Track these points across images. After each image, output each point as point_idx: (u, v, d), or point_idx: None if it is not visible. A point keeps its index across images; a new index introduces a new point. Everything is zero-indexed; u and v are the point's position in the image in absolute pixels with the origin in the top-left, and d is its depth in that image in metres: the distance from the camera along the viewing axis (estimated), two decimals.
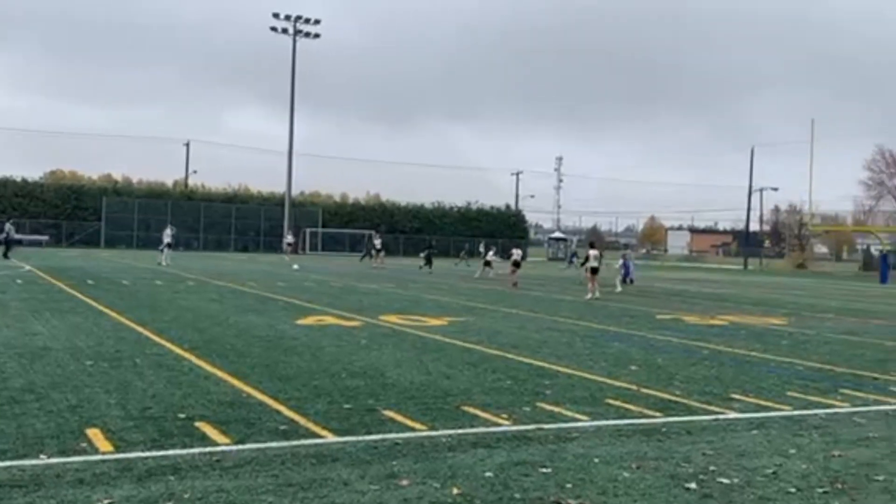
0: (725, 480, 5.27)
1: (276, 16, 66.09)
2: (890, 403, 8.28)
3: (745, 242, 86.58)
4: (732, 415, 7.45)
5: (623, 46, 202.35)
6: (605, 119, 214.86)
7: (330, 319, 14.55)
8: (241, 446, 5.72)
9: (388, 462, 5.44)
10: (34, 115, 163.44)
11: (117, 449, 5.56)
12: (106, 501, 4.50)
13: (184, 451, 5.53)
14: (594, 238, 69.79)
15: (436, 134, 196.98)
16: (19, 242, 44.60)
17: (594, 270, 23.47)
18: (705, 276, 47.98)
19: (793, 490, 5.12)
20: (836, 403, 8.16)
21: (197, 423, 6.32)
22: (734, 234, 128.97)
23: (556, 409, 7.32)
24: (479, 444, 6.01)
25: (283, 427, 6.32)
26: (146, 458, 5.36)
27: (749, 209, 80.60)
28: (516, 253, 29.56)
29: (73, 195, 67.67)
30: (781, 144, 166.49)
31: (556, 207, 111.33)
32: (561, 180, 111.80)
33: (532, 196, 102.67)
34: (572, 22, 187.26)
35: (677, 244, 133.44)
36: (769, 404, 7.98)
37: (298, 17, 66.31)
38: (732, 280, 43.90)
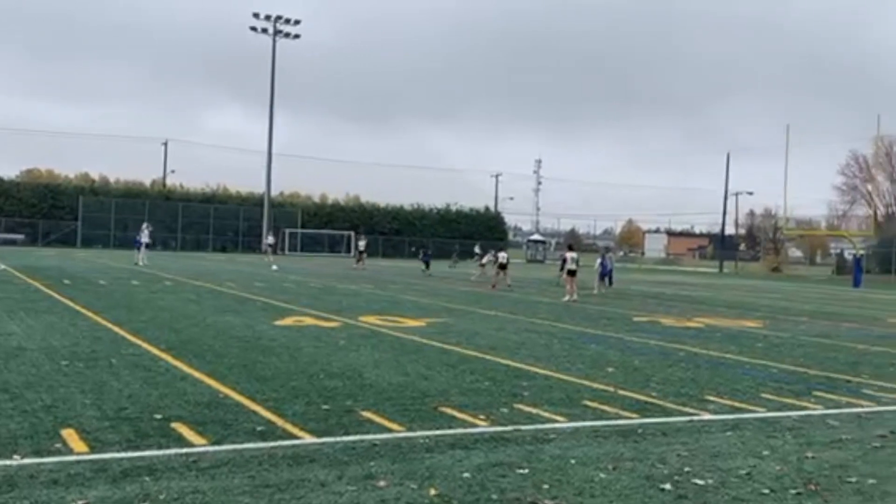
0: (700, 481, 5.32)
1: (255, 16, 65.90)
2: (862, 406, 8.39)
3: (720, 246, 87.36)
4: (707, 416, 7.52)
5: (603, 50, 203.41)
6: (585, 122, 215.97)
7: (308, 320, 14.52)
8: (217, 447, 5.69)
9: (365, 463, 5.44)
10: (10, 112, 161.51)
11: (92, 449, 5.52)
12: (80, 502, 4.47)
13: (160, 452, 5.50)
14: (572, 240, 70.04)
15: (416, 135, 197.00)
16: None
17: (572, 272, 23.59)
18: (682, 279, 48.31)
19: (766, 491, 5.18)
20: (810, 405, 8.25)
21: (173, 424, 6.29)
22: (710, 237, 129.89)
23: (534, 411, 7.35)
24: (457, 445, 6.02)
25: (260, 428, 6.31)
26: (121, 458, 5.32)
27: (725, 213, 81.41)
28: (502, 256, 29.60)
29: (50, 194, 67.09)
30: (757, 149, 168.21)
31: (535, 209, 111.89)
32: (540, 183, 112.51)
33: (511, 198, 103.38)
34: (551, 25, 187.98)
35: (654, 247, 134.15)
36: (743, 406, 8.06)
37: (278, 18, 66.14)
38: (708, 283, 44.23)
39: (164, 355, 9.75)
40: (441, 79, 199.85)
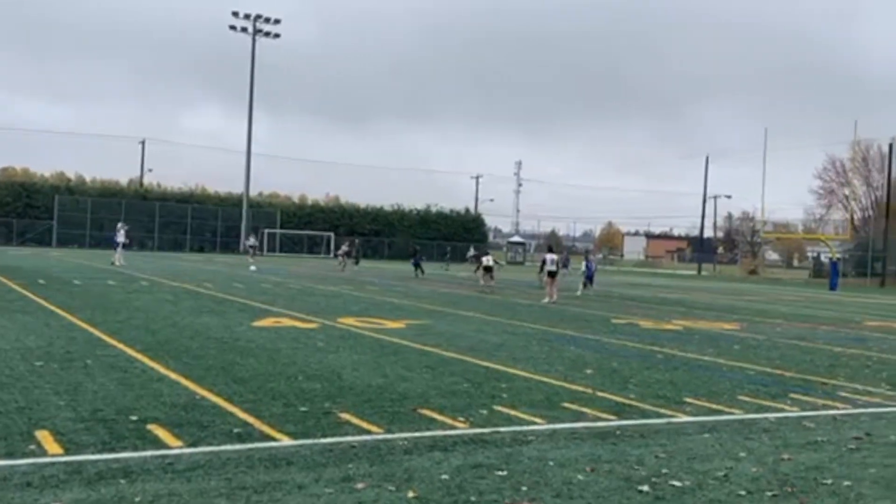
0: (677, 483, 5.34)
1: (235, 14, 65.50)
2: (838, 408, 8.46)
3: (699, 248, 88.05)
4: (685, 418, 7.56)
5: (583, 53, 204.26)
6: (565, 125, 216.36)
7: (287, 321, 14.45)
8: (193, 449, 5.65)
9: (343, 465, 5.41)
10: None
11: (67, 451, 5.46)
12: None
13: (135, 454, 5.45)
14: (552, 242, 70.25)
15: (396, 136, 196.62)
16: None
17: (552, 274, 23.67)
18: (660, 282, 48.59)
19: (743, 493, 5.21)
20: (786, 408, 8.32)
21: (149, 426, 6.23)
22: (689, 239, 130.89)
23: (513, 412, 7.35)
24: (436, 447, 6.01)
25: (237, 430, 6.26)
26: (96, 460, 5.27)
27: (703, 216, 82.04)
28: (486, 259, 29.63)
29: (25, 193, 66.30)
30: (736, 152, 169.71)
31: (515, 211, 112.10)
32: (520, 185, 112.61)
33: (491, 200, 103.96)
34: (532, 27, 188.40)
35: (633, 249, 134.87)
36: (721, 408, 8.10)
37: (258, 17, 65.81)
38: (686, 285, 44.51)
39: (140, 356, 9.66)
40: (422, 80, 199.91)
